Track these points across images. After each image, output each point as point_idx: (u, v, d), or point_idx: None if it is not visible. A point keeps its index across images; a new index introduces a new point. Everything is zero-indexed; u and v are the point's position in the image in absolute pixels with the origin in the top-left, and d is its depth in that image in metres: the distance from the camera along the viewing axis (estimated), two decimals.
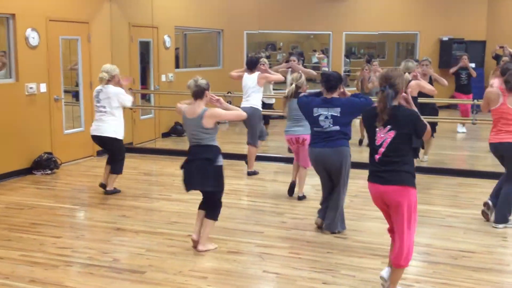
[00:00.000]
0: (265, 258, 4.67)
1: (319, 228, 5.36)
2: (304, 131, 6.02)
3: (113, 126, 6.55)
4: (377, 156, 3.72)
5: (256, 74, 7.59)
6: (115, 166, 6.72)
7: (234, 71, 8.28)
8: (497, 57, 12.93)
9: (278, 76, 7.85)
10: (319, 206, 5.50)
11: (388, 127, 3.64)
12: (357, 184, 6.51)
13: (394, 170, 3.66)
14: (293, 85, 6.17)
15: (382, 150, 3.67)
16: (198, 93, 4.69)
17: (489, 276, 4.31)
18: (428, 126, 3.71)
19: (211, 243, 4.89)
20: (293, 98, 6.08)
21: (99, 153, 8.61)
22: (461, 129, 11.02)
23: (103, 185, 6.68)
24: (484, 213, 5.61)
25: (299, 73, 6.52)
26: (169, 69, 10.82)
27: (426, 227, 5.48)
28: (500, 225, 5.40)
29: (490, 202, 5.57)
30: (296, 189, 6.50)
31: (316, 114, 5.07)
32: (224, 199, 6.41)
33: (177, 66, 11.47)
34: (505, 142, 5.38)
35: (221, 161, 4.81)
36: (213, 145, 4.75)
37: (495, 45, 13.23)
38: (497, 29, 14.67)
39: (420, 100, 7.41)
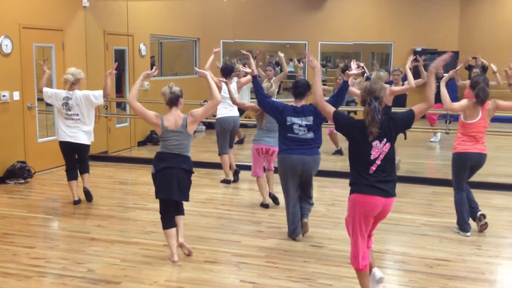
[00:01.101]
0: (242, 268, 4.65)
1: (304, 228, 5.39)
2: (275, 143, 5.93)
3: (87, 134, 6.51)
4: (372, 168, 3.68)
5: (234, 84, 7.60)
6: (85, 166, 6.71)
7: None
8: (469, 68, 13.20)
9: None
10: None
11: (385, 140, 3.68)
12: (333, 193, 6.56)
13: (392, 181, 3.74)
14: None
15: (378, 162, 3.68)
16: (173, 100, 4.67)
17: (463, 284, 4.36)
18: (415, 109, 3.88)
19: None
20: None
21: None
22: (434, 138, 11.19)
23: (78, 202, 6.57)
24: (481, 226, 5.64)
25: (270, 82, 6.58)
26: None
27: (401, 236, 5.53)
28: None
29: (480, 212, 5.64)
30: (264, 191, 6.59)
31: (289, 123, 5.14)
32: (201, 208, 6.44)
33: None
34: (484, 153, 5.45)
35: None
36: (188, 155, 4.75)
37: (468, 55, 13.52)
38: (469, 40, 14.98)
39: (394, 109, 7.58)
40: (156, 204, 6.16)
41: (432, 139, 11.10)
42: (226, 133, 7.62)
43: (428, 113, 11.05)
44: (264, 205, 6.50)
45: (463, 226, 5.54)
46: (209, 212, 6.31)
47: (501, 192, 7.25)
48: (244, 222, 5.97)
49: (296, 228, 5.36)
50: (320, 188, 7.20)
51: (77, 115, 6.42)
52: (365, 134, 3.64)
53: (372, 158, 3.67)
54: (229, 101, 7.48)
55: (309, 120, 5.09)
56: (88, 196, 6.64)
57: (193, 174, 4.83)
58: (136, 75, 10.39)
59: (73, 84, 6.45)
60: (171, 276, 4.48)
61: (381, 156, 3.68)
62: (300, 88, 5.20)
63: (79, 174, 6.66)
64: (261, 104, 5.42)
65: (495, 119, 12.19)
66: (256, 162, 6.47)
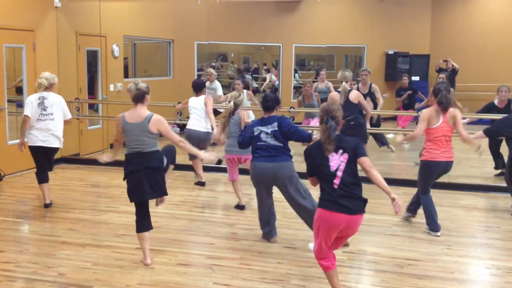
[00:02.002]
0: (215, 270, 4.64)
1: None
2: (245, 151, 5.95)
3: (59, 137, 6.43)
4: (336, 182, 3.77)
5: (202, 97, 7.62)
6: (51, 166, 6.68)
7: (179, 105, 8.56)
8: (440, 71, 13.44)
9: (222, 99, 7.91)
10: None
11: (340, 151, 3.82)
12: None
13: (356, 197, 3.83)
14: (232, 103, 6.28)
15: (339, 174, 3.79)
16: (139, 97, 4.60)
17: (433, 283, 4.43)
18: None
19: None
20: (233, 116, 6.28)
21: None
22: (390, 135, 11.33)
23: (49, 205, 6.49)
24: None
25: (238, 91, 6.60)
26: (117, 79, 10.66)
27: (373, 236, 5.60)
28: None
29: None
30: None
31: (256, 133, 5.19)
32: (174, 210, 6.41)
33: (126, 76, 11.31)
34: (451, 161, 5.59)
35: (165, 162, 4.79)
36: (154, 150, 4.65)
37: (439, 58, 13.77)
38: (440, 43, 15.25)
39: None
40: (128, 207, 6.12)
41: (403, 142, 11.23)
42: (191, 143, 7.59)
43: (399, 118, 11.26)
44: (240, 207, 6.50)
45: (432, 226, 5.64)
46: (183, 214, 6.29)
47: (471, 193, 7.39)
48: (218, 224, 5.97)
49: (271, 230, 5.38)
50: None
51: (52, 114, 6.34)
52: (322, 150, 3.83)
53: (332, 170, 3.79)
54: (199, 113, 7.51)
55: (274, 126, 5.13)
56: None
57: (168, 167, 4.81)
58: (109, 76, 10.31)
59: (47, 89, 6.41)
60: (143, 279, 4.45)
61: (341, 167, 3.80)
62: (269, 102, 5.27)
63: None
64: (242, 146, 5.45)
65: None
66: (230, 169, 6.52)
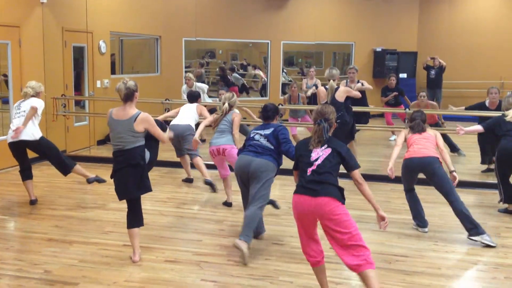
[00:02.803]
0: (203, 267, 4.63)
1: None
2: (225, 141, 6.12)
3: (31, 129, 6.32)
4: (310, 169, 3.79)
5: (195, 105, 7.67)
6: (61, 166, 6.63)
7: (168, 113, 8.11)
8: (427, 68, 13.53)
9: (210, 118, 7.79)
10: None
11: (325, 145, 3.87)
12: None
13: (325, 182, 3.73)
14: (226, 104, 6.30)
15: (316, 163, 3.80)
16: (129, 95, 4.57)
17: (421, 279, 4.46)
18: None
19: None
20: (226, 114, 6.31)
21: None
22: (393, 137, 11.40)
23: (34, 201, 6.44)
24: None
25: (232, 92, 6.63)
26: (104, 75, 10.58)
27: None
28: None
29: None
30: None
31: (252, 135, 5.29)
32: (162, 207, 6.38)
33: (113, 72, 11.23)
34: (426, 156, 5.65)
35: (147, 157, 4.77)
36: (136, 147, 4.58)
37: (426, 56, 13.85)
38: (427, 40, 15.34)
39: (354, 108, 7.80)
40: (116, 204, 6.09)
41: (391, 138, 11.30)
42: (175, 139, 7.58)
43: (386, 115, 11.31)
44: (227, 204, 6.49)
45: (420, 223, 5.68)
46: (170, 211, 6.26)
47: (458, 189, 7.37)
48: (206, 221, 5.95)
49: (256, 227, 5.36)
50: (283, 187, 7.24)
51: (24, 111, 6.33)
52: (307, 145, 3.93)
53: (311, 159, 3.84)
54: (187, 113, 7.57)
55: (269, 130, 5.22)
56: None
57: (151, 166, 4.79)
58: (95, 73, 10.22)
59: (33, 97, 6.40)
60: (130, 276, 4.42)
61: (320, 159, 3.82)
62: (269, 112, 5.39)
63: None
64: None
65: (446, 118, 12.50)
66: (216, 164, 6.53)
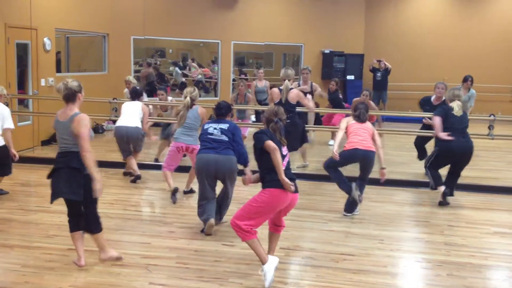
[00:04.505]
0: (151, 270, 4.56)
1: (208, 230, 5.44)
2: (193, 141, 6.46)
3: None
4: (284, 163, 4.31)
5: (139, 104, 7.70)
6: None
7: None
8: (374, 70, 13.83)
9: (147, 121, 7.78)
10: None
11: (286, 147, 4.51)
12: (245, 192, 6.59)
13: (294, 179, 4.40)
14: (188, 98, 6.45)
15: (285, 162, 4.35)
16: (69, 96, 4.37)
17: (367, 277, 4.55)
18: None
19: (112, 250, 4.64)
20: (191, 108, 6.47)
21: None
22: (331, 141, 11.50)
23: None
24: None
25: (193, 87, 6.76)
26: (49, 73, 10.26)
27: (310, 232, 5.68)
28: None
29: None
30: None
31: (206, 127, 5.57)
32: (108, 209, 6.23)
33: (58, 70, 10.91)
34: (364, 150, 6.13)
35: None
36: (78, 151, 4.37)
37: (373, 58, 14.16)
38: (373, 43, 15.70)
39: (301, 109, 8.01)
40: (60, 207, 5.89)
41: (330, 143, 11.41)
42: (121, 140, 7.56)
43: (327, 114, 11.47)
44: (174, 192, 6.63)
45: (346, 187, 6.27)
46: (117, 213, 6.14)
47: (402, 189, 7.64)
48: (155, 223, 5.87)
49: (208, 217, 5.44)
50: (236, 187, 7.22)
51: None
52: (274, 139, 4.39)
53: (283, 153, 4.40)
54: (130, 112, 7.56)
55: (225, 126, 5.51)
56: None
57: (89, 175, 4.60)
58: (40, 70, 9.90)
59: None
60: (76, 281, 4.30)
61: (287, 158, 4.45)
62: (223, 110, 5.67)
63: None
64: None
65: (394, 119, 12.80)
66: (173, 158, 6.66)
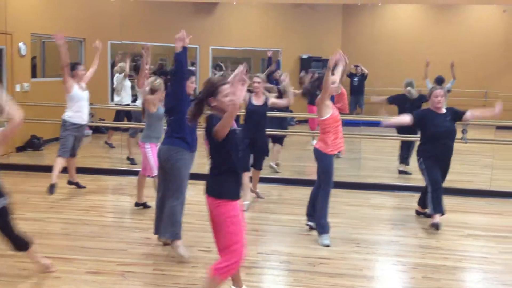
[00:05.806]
0: (127, 277, 4.52)
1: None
2: (142, 138, 6.23)
3: None
4: None
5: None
6: None
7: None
8: (350, 76, 13.96)
9: None
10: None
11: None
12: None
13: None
14: (147, 89, 6.06)
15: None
16: None
17: (343, 281, 4.58)
18: None
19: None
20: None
21: None
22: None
23: None
24: None
25: (156, 77, 6.32)
26: (24, 79, 10.12)
27: (287, 236, 5.70)
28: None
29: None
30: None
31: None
32: (84, 216, 6.16)
33: (34, 76, 10.76)
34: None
35: None
36: None
37: (349, 64, 14.27)
38: (350, 49, 15.83)
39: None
40: (35, 214, 5.84)
41: (313, 142, 11.52)
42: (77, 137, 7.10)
43: (310, 118, 11.55)
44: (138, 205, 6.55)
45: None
46: (93, 220, 6.07)
47: (378, 192, 7.70)
48: (131, 230, 5.82)
49: (157, 225, 5.15)
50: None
51: None
52: None
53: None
54: (79, 104, 7.12)
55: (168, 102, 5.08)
56: None
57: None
58: (15, 76, 9.76)
59: None
60: None
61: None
62: None
63: None
64: None
65: (371, 124, 12.93)
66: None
